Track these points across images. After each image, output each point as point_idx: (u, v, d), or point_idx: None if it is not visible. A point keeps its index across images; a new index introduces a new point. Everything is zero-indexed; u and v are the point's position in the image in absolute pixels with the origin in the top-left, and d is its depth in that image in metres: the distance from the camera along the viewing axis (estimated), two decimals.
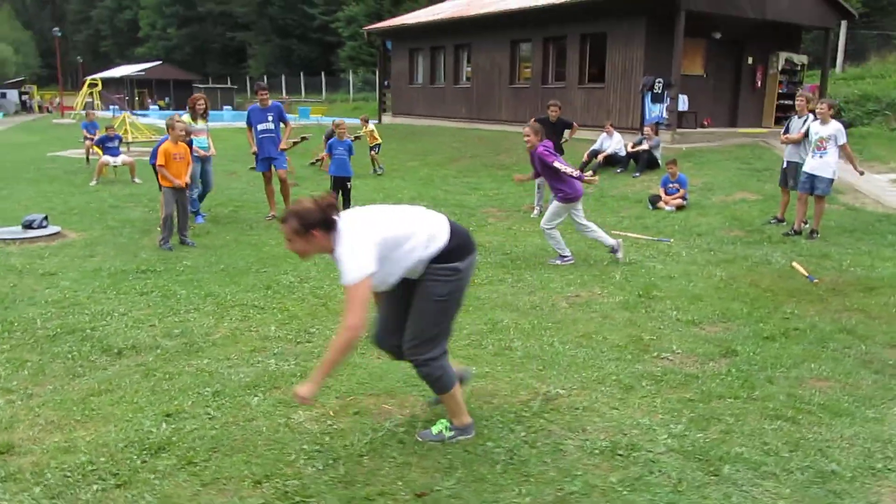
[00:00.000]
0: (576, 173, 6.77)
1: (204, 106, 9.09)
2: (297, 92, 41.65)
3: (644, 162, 12.53)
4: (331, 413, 3.57)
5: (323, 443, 3.24)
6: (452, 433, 3.26)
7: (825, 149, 7.79)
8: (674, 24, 14.09)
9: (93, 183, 12.37)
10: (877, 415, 3.60)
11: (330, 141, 9.40)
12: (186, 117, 8.85)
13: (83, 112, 22.24)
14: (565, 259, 6.91)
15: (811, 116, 8.19)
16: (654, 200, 10.17)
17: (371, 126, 15.21)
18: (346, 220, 2.96)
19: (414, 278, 3.11)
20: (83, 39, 69.43)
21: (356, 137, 14.52)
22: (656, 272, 6.57)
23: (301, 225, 2.89)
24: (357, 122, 17.16)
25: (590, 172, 12.79)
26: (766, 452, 3.19)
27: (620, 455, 3.16)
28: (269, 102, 9.13)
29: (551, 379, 4.04)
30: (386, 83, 24.92)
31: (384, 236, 2.93)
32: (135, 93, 47.11)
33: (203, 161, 8.94)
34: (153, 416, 3.51)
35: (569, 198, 6.79)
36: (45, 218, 8.13)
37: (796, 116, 8.51)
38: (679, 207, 9.92)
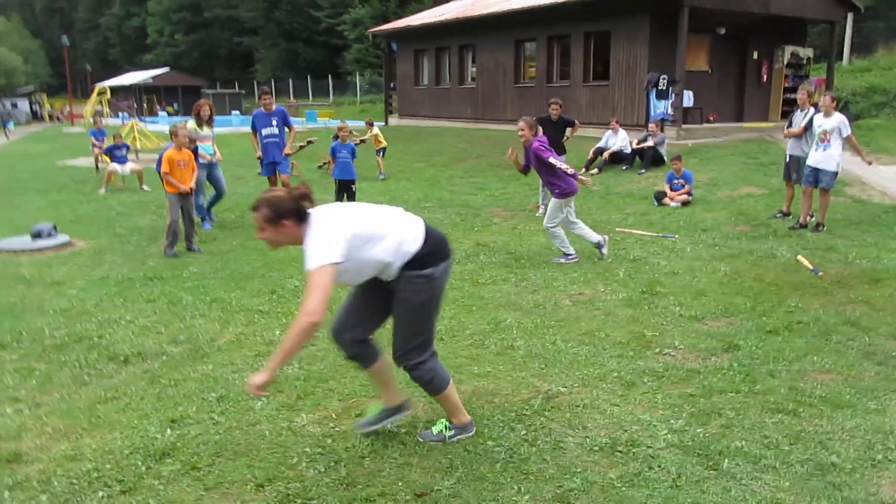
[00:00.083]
0: (570, 171, 6.76)
1: (209, 112, 9.15)
2: (305, 95, 41.82)
3: (649, 159, 12.52)
4: (333, 415, 3.61)
5: (325, 445, 3.28)
6: (452, 432, 3.29)
7: (829, 141, 7.76)
8: (677, 20, 14.06)
9: (101, 191, 12.48)
10: (878, 406, 3.60)
11: (333, 144, 9.44)
12: (192, 124, 8.93)
13: (92, 120, 22.43)
14: (569, 257, 6.92)
15: (812, 110, 8.17)
16: (660, 197, 10.16)
17: (376, 130, 15.22)
18: (319, 213, 2.94)
19: (386, 280, 3.08)
20: (92, 47, 69.98)
21: (361, 141, 14.56)
22: (660, 268, 6.57)
23: (273, 213, 2.88)
24: (363, 124, 17.22)
25: (595, 170, 12.86)
26: (767, 446, 3.20)
27: (620, 451, 3.18)
28: (273, 107, 9.21)
29: (553, 377, 4.06)
30: (392, 85, 24.99)
31: (355, 232, 2.89)
32: (143, 100, 47.41)
33: (210, 166, 9.02)
34: (158, 423, 3.56)
35: (566, 192, 6.80)
36: (54, 227, 8.23)
37: (799, 110, 8.49)
38: (684, 203, 9.90)
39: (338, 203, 3.11)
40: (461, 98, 21.21)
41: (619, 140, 13.17)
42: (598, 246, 7.00)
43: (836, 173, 7.88)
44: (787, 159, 8.65)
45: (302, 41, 47.25)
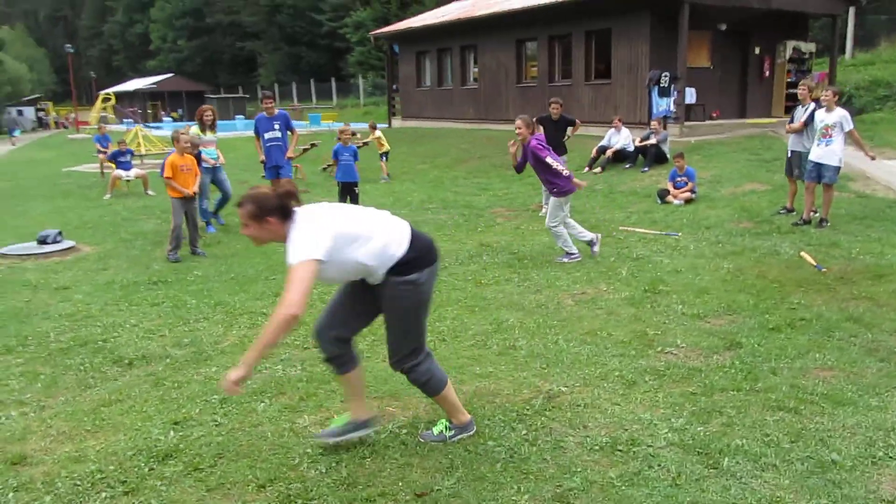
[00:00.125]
0: (565, 172, 6.76)
1: (212, 117, 9.21)
2: (308, 99, 41.89)
3: (652, 156, 12.50)
4: (335, 416, 3.62)
5: (327, 446, 3.29)
6: (453, 432, 3.30)
7: (831, 136, 7.74)
8: (678, 17, 14.04)
9: (107, 196, 12.56)
10: (880, 403, 3.59)
11: (335, 147, 9.47)
12: (195, 129, 8.99)
13: (97, 126, 22.54)
14: (572, 256, 6.92)
15: (813, 105, 8.15)
16: (663, 195, 10.15)
17: (378, 133, 15.24)
18: (305, 212, 2.95)
19: (373, 283, 3.07)
20: (96, 55, 70.29)
21: (363, 143, 14.59)
22: (663, 267, 6.57)
23: (257, 210, 2.88)
24: (366, 126, 17.24)
25: (598, 169, 12.85)
26: (767, 444, 3.20)
27: (620, 450, 3.18)
28: (276, 111, 9.26)
29: (554, 377, 4.07)
30: (395, 87, 25.01)
31: (340, 231, 2.89)
32: (147, 106, 47.62)
33: (214, 170, 9.08)
34: (161, 425, 3.59)
35: (564, 191, 6.81)
36: (60, 233, 8.28)
37: (800, 106, 8.47)
38: (688, 201, 9.88)
39: (324, 203, 3.11)
40: (463, 99, 21.21)
41: (622, 138, 13.15)
42: (591, 244, 7.04)
43: (838, 168, 7.86)
44: (789, 155, 8.64)
45: (304, 45, 47.34)
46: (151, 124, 34.63)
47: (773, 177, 10.48)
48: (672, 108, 14.49)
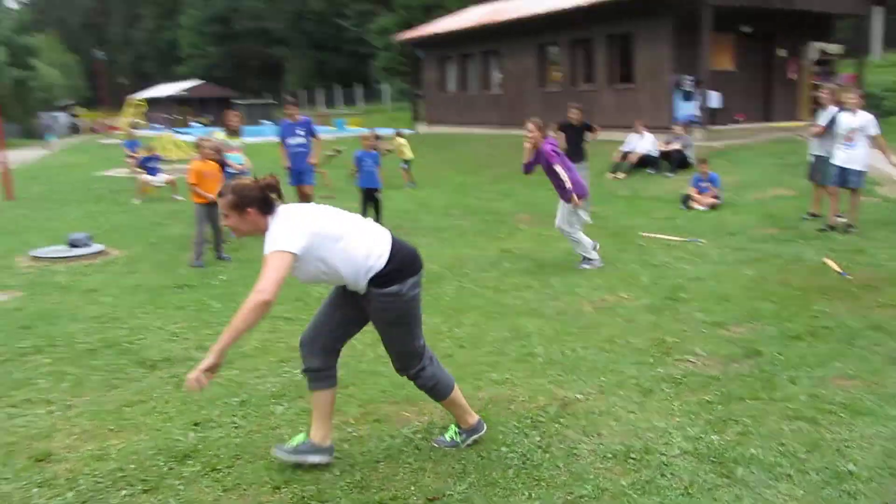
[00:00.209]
0: (568, 185, 6.69)
1: (237, 122, 9.36)
2: (335, 104, 42.22)
3: (676, 161, 12.42)
4: (351, 420, 3.68)
5: (341, 449, 3.34)
6: (463, 436, 3.33)
7: (854, 141, 7.63)
8: (700, 20, 13.92)
9: (136, 201, 12.82)
10: None
11: (357, 153, 9.54)
12: (221, 134, 9.14)
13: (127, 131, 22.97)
14: (592, 263, 6.90)
15: (835, 108, 8.04)
16: (687, 200, 10.07)
17: (402, 140, 14.96)
18: (287, 209, 2.99)
19: (357, 293, 3.06)
20: (128, 60, 71.60)
21: (387, 151, 14.65)
22: (685, 273, 6.53)
23: (237, 200, 2.92)
24: (392, 132, 17.27)
25: (621, 175, 12.78)
26: (783, 454, 3.17)
27: (633, 458, 3.18)
28: (299, 117, 9.37)
29: (570, 384, 4.07)
30: (418, 93, 25.13)
31: (318, 231, 2.91)
32: (177, 111, 48.36)
33: (240, 176, 9.20)
34: (182, 426, 3.67)
35: (577, 196, 6.77)
36: (90, 237, 8.47)
37: (823, 109, 8.37)
38: (712, 206, 9.81)
39: (310, 204, 3.14)
40: (487, 104, 21.26)
41: (646, 143, 13.08)
42: (592, 248, 6.99)
43: (864, 172, 7.76)
44: (812, 159, 8.54)
45: (330, 50, 47.77)
46: (181, 129, 35.16)
47: (800, 182, 10.33)
48: (696, 112, 14.37)
